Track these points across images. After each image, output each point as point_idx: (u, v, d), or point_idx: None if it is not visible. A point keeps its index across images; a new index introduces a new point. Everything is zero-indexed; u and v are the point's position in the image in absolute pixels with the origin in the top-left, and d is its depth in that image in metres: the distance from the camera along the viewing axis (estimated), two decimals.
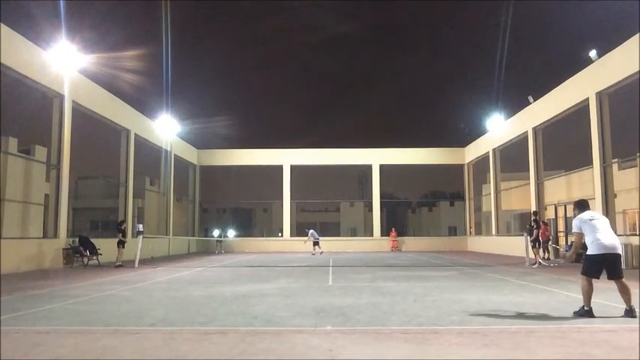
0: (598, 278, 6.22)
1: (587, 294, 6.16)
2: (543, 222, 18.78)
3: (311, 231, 24.63)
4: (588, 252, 6.29)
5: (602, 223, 6.33)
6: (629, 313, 5.98)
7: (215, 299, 8.00)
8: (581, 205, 6.66)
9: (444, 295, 8.41)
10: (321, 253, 23.76)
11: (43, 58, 15.59)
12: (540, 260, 15.76)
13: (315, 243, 24.23)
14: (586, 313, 6.10)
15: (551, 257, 18.45)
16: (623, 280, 6.13)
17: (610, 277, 6.17)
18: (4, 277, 11.97)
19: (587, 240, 6.30)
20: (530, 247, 15.87)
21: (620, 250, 6.22)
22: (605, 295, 7.93)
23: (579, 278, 6.43)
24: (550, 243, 18.85)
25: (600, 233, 6.18)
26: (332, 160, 31.84)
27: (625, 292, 6.10)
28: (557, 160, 21.36)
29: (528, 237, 16.09)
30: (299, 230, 31.71)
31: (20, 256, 14.25)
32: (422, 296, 8.19)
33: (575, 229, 6.44)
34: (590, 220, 6.32)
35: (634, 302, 6.10)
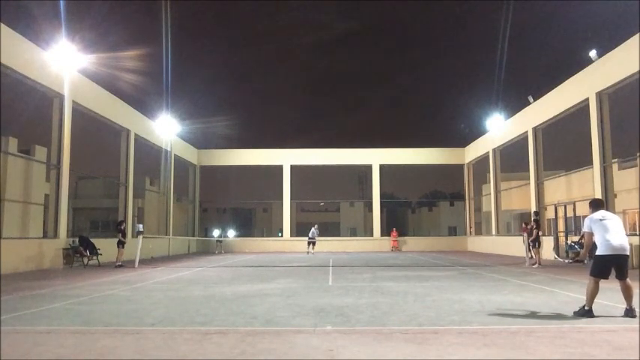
0: (607, 279, 6.23)
1: (592, 295, 6.17)
2: (525, 223, 18.85)
3: (314, 231, 24.62)
4: (597, 252, 6.30)
5: (613, 223, 6.30)
6: (629, 312, 6.02)
7: (215, 299, 8.00)
8: (595, 205, 6.64)
9: (444, 295, 8.41)
10: (311, 253, 23.67)
11: (43, 58, 15.58)
12: (536, 260, 15.71)
13: (311, 242, 24.22)
14: (586, 312, 6.13)
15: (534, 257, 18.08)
16: (628, 280, 6.17)
17: (617, 277, 6.23)
18: (4, 277, 11.97)
19: (597, 240, 6.30)
20: (530, 247, 15.89)
21: (628, 252, 6.24)
22: (605, 295, 7.93)
23: (581, 278, 6.44)
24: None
25: (610, 234, 6.18)
26: (332, 160, 31.84)
27: (628, 293, 6.14)
28: (557, 160, 21.36)
29: (528, 237, 16.10)
30: (299, 230, 31.74)
31: (20, 256, 14.25)
32: (422, 296, 8.19)
33: (585, 229, 6.46)
34: (601, 220, 6.30)
35: (635, 302, 6.15)
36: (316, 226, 25.31)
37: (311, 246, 24.44)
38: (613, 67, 15.90)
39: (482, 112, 32.53)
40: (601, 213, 6.44)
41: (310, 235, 24.81)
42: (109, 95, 20.37)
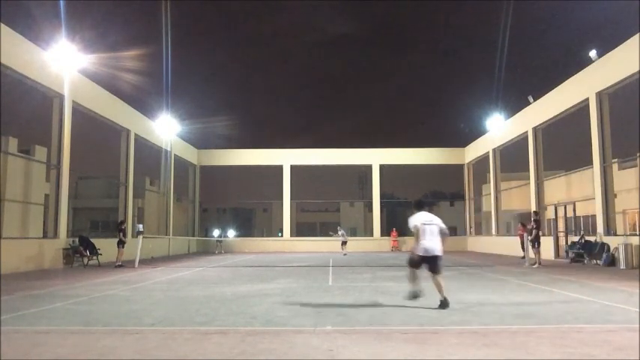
0: (418, 269, 7.17)
1: (412, 278, 7.22)
2: (522, 223, 18.85)
3: (342, 231, 24.49)
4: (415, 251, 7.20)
5: (431, 228, 7.13)
6: (443, 303, 6.78)
7: (215, 299, 8.00)
8: (418, 205, 7.58)
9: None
10: (345, 254, 23.41)
11: (43, 58, 15.58)
12: (536, 260, 15.68)
13: (344, 242, 24.05)
14: (414, 294, 7.11)
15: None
16: (438, 276, 6.97)
17: (429, 271, 7.05)
18: (4, 277, 11.97)
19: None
20: (530, 247, 15.88)
21: (437, 252, 7.03)
22: (605, 295, 7.96)
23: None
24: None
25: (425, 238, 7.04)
26: (332, 160, 31.84)
27: (434, 281, 7.00)
28: (557, 160, 21.36)
29: (528, 237, 16.10)
30: (299, 230, 31.73)
31: (20, 256, 14.25)
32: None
33: (413, 228, 7.21)
34: (423, 224, 7.13)
35: (446, 294, 6.90)
36: (339, 227, 25.23)
37: (344, 246, 24.12)
38: (613, 67, 15.90)
39: (482, 112, 32.48)
40: (424, 216, 7.23)
41: (342, 236, 24.48)
42: (109, 95, 20.36)
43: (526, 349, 4.49)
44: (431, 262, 7.02)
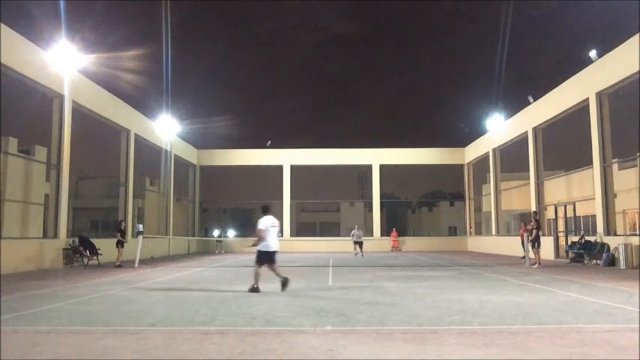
0: (264, 265, 8.93)
1: (258, 276, 8.88)
2: (525, 223, 18.83)
3: (355, 231, 24.22)
4: (260, 249, 8.93)
5: (275, 230, 9.03)
6: (284, 282, 8.78)
7: (215, 299, 8.01)
8: (264, 210, 9.35)
9: (444, 295, 8.41)
10: (360, 254, 23.10)
11: (43, 58, 15.57)
12: (536, 260, 15.64)
13: (357, 243, 23.77)
14: (255, 289, 8.67)
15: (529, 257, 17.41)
16: (274, 265, 8.96)
17: (268, 264, 8.98)
18: (4, 277, 11.97)
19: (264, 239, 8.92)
20: (530, 247, 15.88)
21: (277, 249, 9.03)
22: (605, 295, 7.97)
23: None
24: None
25: (270, 238, 8.88)
26: (332, 160, 31.84)
27: (275, 271, 8.94)
28: (557, 160, 21.34)
29: (528, 237, 16.09)
30: (299, 230, 31.72)
31: (20, 256, 14.25)
32: (422, 296, 8.19)
33: (261, 226, 8.87)
34: (272, 226, 8.93)
35: (280, 274, 8.87)
36: (357, 226, 24.93)
37: (357, 247, 23.84)
38: (613, 67, 15.90)
39: (482, 112, 32.53)
40: (271, 220, 8.96)
41: (352, 236, 24.20)
42: (109, 95, 20.36)
43: (526, 349, 4.49)
44: (272, 256, 8.93)
